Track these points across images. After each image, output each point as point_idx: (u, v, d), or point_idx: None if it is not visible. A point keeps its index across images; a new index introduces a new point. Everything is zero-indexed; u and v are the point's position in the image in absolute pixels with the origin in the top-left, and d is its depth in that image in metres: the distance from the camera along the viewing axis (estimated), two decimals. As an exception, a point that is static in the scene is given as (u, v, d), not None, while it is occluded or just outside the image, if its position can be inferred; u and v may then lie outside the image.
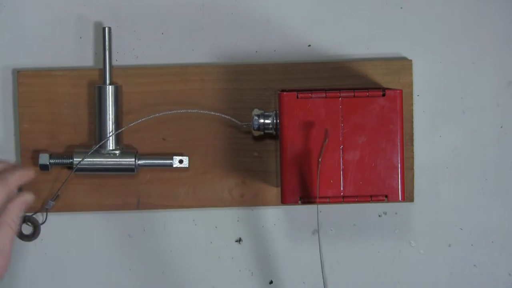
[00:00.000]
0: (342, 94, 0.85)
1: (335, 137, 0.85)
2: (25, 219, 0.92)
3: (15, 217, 0.80)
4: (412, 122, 0.95)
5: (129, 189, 0.94)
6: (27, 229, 0.92)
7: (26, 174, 0.81)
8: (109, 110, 0.91)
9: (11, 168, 0.80)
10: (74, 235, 0.96)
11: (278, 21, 0.95)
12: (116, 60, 0.95)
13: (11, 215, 0.80)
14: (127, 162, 0.91)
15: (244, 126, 0.92)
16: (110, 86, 0.91)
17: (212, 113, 0.92)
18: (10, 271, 0.95)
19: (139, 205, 0.94)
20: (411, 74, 0.94)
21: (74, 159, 0.91)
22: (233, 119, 0.91)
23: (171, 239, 0.96)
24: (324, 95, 0.85)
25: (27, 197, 0.81)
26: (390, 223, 0.96)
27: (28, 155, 0.93)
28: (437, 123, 0.96)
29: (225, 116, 0.91)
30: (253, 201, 0.95)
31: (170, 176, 0.94)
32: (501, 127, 0.96)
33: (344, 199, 0.85)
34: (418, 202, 0.96)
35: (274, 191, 0.94)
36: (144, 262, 0.96)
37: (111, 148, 0.91)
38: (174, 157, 0.92)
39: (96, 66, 0.95)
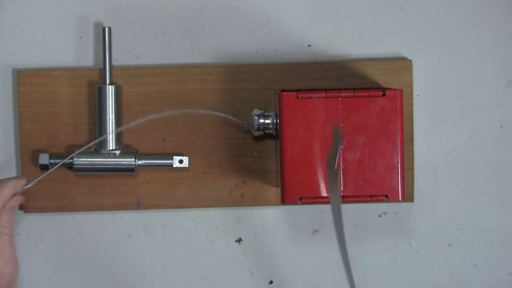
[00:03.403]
0: (342, 94, 0.85)
1: (335, 137, 0.85)
2: None
3: (5, 223, 0.86)
4: (412, 122, 0.95)
5: (129, 189, 0.94)
6: None
7: (19, 184, 0.87)
8: (109, 110, 0.91)
9: (3, 180, 0.86)
10: (74, 235, 0.96)
11: (278, 21, 0.95)
12: (116, 60, 0.95)
13: (1, 222, 0.86)
14: (127, 162, 0.91)
15: (245, 125, 0.92)
16: (110, 86, 0.91)
17: (215, 112, 0.92)
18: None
19: (139, 205, 0.94)
20: (411, 74, 0.94)
21: (74, 159, 0.91)
22: (233, 118, 0.91)
23: (171, 239, 0.96)
24: (324, 95, 0.85)
25: (16, 201, 0.87)
26: (390, 223, 0.96)
27: (28, 155, 0.93)
28: (437, 123, 0.96)
29: (226, 115, 0.91)
30: (253, 201, 0.95)
31: (170, 176, 0.94)
32: (501, 127, 0.96)
33: (344, 199, 0.85)
34: (418, 202, 0.96)
35: (274, 191, 0.94)
36: (144, 262, 0.96)
37: (111, 148, 0.91)
38: (174, 157, 0.92)
39: (96, 66, 0.95)
